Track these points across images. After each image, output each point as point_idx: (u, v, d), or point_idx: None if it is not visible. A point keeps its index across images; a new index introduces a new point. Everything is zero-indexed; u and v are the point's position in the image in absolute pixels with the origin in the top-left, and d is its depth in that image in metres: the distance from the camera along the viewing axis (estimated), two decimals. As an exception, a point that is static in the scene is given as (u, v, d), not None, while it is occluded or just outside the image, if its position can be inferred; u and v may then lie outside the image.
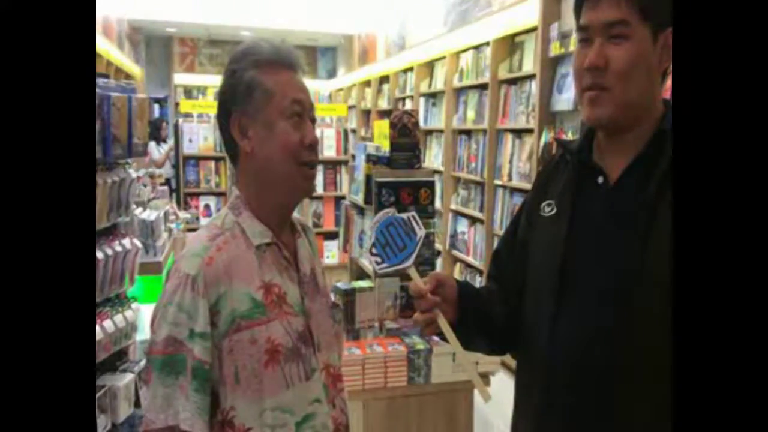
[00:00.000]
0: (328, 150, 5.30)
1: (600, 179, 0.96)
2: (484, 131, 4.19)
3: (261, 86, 0.98)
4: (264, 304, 0.95)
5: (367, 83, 7.61)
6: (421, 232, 1.00)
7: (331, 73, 10.60)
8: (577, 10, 0.95)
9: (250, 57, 0.99)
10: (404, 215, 1.01)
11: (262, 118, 0.98)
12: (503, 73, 4.04)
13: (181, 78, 10.11)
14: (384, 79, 6.94)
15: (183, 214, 4.40)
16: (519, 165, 3.78)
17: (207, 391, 0.92)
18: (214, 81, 9.83)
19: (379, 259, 1.01)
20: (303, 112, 1.00)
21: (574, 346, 0.92)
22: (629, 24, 0.89)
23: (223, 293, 0.93)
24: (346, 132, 5.48)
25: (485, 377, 2.24)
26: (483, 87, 4.30)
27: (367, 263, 2.74)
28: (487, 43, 4.19)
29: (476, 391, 2.26)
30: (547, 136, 3.36)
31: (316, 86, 10.04)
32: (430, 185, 2.66)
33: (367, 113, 7.58)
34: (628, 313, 0.88)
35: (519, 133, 3.83)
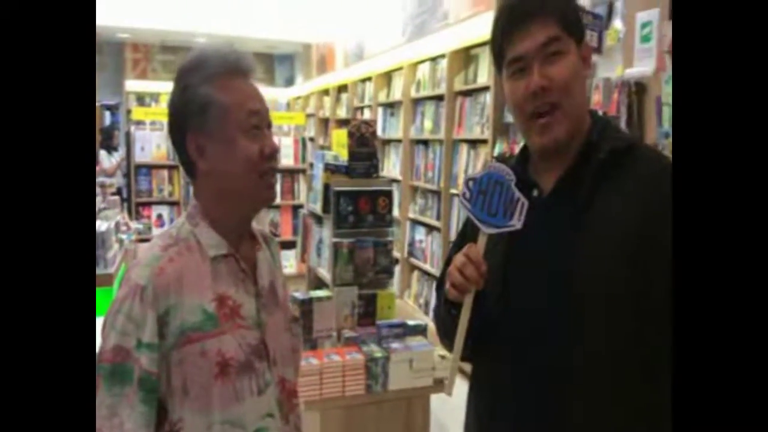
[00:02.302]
0: (286, 158, 5.27)
1: (535, 192, 1.00)
2: (441, 141, 4.27)
3: (216, 103, 0.94)
4: (216, 317, 0.94)
5: (326, 92, 7.61)
6: (519, 223, 0.93)
7: (289, 81, 10.54)
8: (500, 48, 0.97)
9: (200, 71, 0.96)
10: (518, 195, 0.93)
11: (220, 136, 0.95)
12: (459, 85, 4.13)
13: (133, 85, 9.84)
14: (343, 88, 6.96)
15: (135, 225, 4.29)
16: (474, 174, 3.86)
17: (153, 402, 0.90)
18: (167, 88, 9.55)
19: (468, 194, 0.96)
20: (260, 122, 0.98)
21: (515, 350, 0.97)
22: (561, 39, 0.94)
23: (173, 305, 0.92)
24: (303, 140, 5.47)
25: (441, 383, 2.28)
26: (440, 98, 4.38)
27: (324, 272, 2.73)
28: (443, 55, 4.28)
29: (432, 396, 2.31)
30: (500, 147, 3.46)
31: (273, 94, 9.95)
32: (388, 194, 2.69)
33: (325, 122, 7.58)
34: (559, 316, 0.93)
35: (474, 143, 3.92)
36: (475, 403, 1.06)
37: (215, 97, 0.94)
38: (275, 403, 1.00)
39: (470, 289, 0.94)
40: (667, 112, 1.67)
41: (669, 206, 0.92)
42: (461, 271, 0.94)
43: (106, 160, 6.35)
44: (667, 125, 1.67)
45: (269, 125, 1.01)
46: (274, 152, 0.99)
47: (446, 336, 1.03)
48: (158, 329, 0.90)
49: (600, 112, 2.43)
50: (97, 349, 0.89)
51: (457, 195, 4.06)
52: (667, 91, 1.68)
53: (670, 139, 1.61)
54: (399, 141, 5.03)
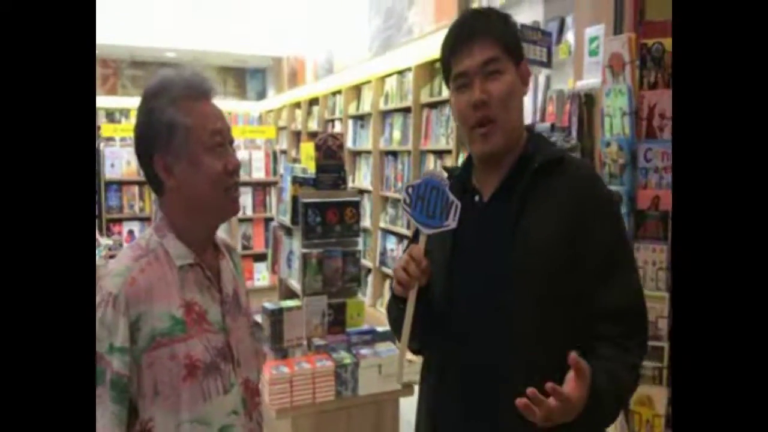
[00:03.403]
0: (257, 172, 5.30)
1: (477, 198, 1.11)
2: (409, 152, 4.37)
3: (181, 125, 1.01)
4: (184, 322, 1.01)
5: (297, 105, 7.68)
6: (454, 223, 1.02)
7: (261, 95, 10.58)
8: (447, 64, 1.09)
9: (165, 94, 1.02)
10: (452, 198, 1.03)
11: (186, 156, 1.02)
12: (425, 97, 4.24)
13: (103, 101, 9.76)
14: (314, 101, 7.04)
15: (105, 241, 4.28)
16: (441, 184, 3.97)
17: (125, 402, 0.97)
18: (137, 103, 9.55)
19: (408, 200, 1.05)
20: (223, 140, 1.05)
21: (456, 342, 1.06)
22: (500, 60, 1.05)
23: (144, 312, 0.98)
24: (275, 153, 5.51)
25: (409, 386, 2.35)
26: (407, 110, 4.49)
27: (295, 283, 2.79)
28: (410, 69, 4.40)
29: (401, 400, 2.37)
30: (463, 157, 3.57)
31: (245, 107, 9.97)
32: (355, 205, 2.77)
33: (297, 134, 7.64)
34: (493, 310, 1.02)
35: (440, 153, 4.04)
36: (426, 392, 1.15)
37: (180, 119, 1.01)
38: (240, 401, 1.07)
39: (413, 284, 1.03)
40: (608, 123, 1.80)
41: (597, 210, 1.02)
42: (405, 269, 1.03)
43: (76, 177, 6.28)
44: (608, 135, 1.79)
45: (231, 142, 1.09)
46: (236, 168, 1.07)
47: (395, 328, 1.13)
48: (130, 334, 0.96)
49: (550, 124, 2.56)
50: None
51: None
52: (607, 103, 1.80)
53: (611, 148, 1.73)
54: (369, 152, 5.13)
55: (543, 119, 2.72)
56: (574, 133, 2.36)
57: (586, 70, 2.49)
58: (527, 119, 2.72)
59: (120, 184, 5.53)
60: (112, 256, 4.30)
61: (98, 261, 3.45)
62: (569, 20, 2.82)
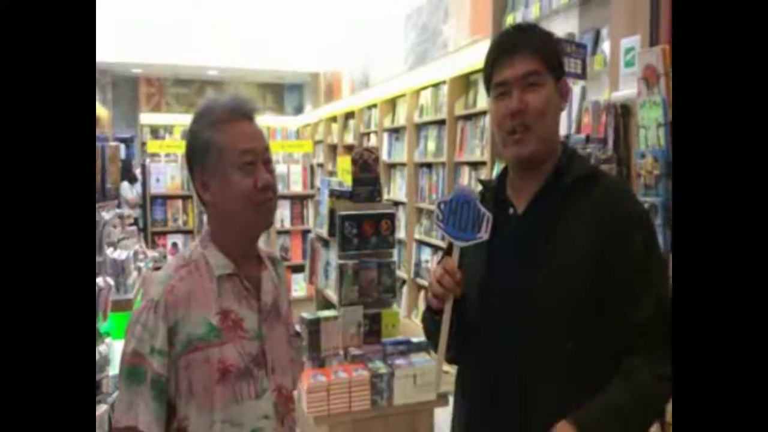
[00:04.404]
0: (295, 185, 5.43)
1: (511, 210, 1.14)
2: (443, 164, 4.40)
3: (214, 144, 1.09)
4: (219, 329, 1.07)
5: (334, 119, 7.82)
6: (486, 235, 1.06)
7: (299, 109, 10.81)
8: (489, 71, 1.13)
9: (206, 118, 1.11)
10: (483, 210, 1.07)
11: (218, 173, 1.09)
12: (459, 110, 4.28)
13: (147, 117, 10.18)
14: (349, 115, 7.16)
15: (151, 253, 4.45)
16: (476, 195, 3.98)
17: (163, 400, 1.04)
18: (180, 120, 9.93)
19: (441, 216, 1.10)
20: (255, 158, 1.09)
21: (488, 352, 1.08)
22: (540, 73, 1.08)
23: (181, 318, 1.05)
24: (312, 167, 5.63)
25: (444, 397, 2.37)
26: (441, 123, 4.53)
27: (332, 293, 2.85)
28: (444, 82, 4.44)
29: (436, 410, 2.39)
30: (498, 168, 3.58)
31: (283, 122, 10.22)
32: (391, 217, 2.81)
33: (334, 148, 7.77)
34: (530, 319, 1.04)
35: (475, 165, 4.05)
36: (460, 400, 1.17)
37: (214, 139, 1.09)
38: (272, 406, 1.12)
39: (448, 296, 1.07)
40: (642, 134, 1.80)
41: (626, 226, 1.04)
42: (439, 282, 1.07)
43: (129, 192, 6.56)
44: (643, 147, 1.79)
45: (266, 161, 1.12)
46: (266, 185, 1.11)
47: (431, 339, 1.16)
48: (168, 338, 1.04)
49: (585, 135, 2.56)
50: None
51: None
52: (642, 115, 1.80)
53: (646, 160, 1.72)
54: (404, 165, 5.18)
55: (578, 130, 2.71)
56: (609, 144, 2.36)
57: (622, 81, 2.48)
58: (562, 130, 2.72)
59: (165, 198, 5.74)
60: (157, 268, 4.47)
61: (145, 272, 3.60)
62: (604, 32, 2.82)
